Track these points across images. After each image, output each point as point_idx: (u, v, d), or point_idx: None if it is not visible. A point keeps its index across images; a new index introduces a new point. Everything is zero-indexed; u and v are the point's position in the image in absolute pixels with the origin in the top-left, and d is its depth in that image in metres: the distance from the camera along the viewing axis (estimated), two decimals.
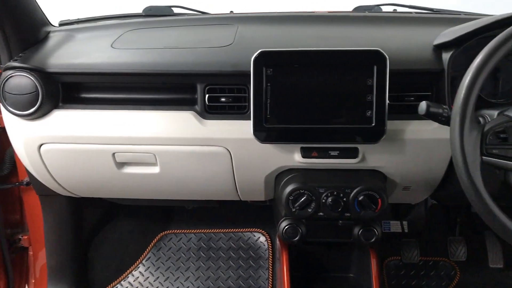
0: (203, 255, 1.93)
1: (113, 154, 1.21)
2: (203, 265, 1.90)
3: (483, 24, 1.02)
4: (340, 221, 1.21)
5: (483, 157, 0.85)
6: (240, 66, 1.11)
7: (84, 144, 1.20)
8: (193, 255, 1.93)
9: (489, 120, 0.94)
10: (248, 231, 1.97)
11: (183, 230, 1.97)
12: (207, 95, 1.14)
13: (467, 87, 0.84)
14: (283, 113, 1.09)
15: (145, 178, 1.28)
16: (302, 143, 1.13)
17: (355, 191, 1.14)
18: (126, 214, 1.92)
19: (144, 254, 1.92)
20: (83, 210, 1.72)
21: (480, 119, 0.96)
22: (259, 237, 1.96)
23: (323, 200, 1.15)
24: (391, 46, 1.12)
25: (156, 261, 1.91)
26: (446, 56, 1.09)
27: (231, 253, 1.93)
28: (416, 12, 1.51)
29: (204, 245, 1.95)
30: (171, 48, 1.19)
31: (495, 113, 0.95)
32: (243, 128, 1.13)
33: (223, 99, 1.14)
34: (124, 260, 1.89)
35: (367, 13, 1.48)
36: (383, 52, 1.06)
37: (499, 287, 1.83)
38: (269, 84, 1.07)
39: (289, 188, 1.16)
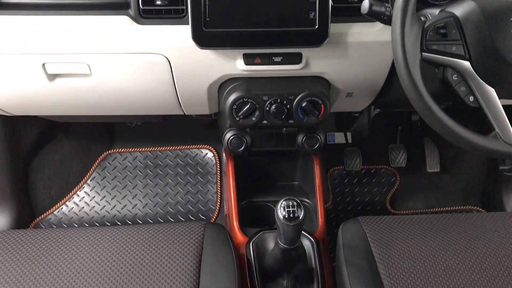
0: (150, 172, 1.91)
1: (43, 64, 1.12)
2: (150, 182, 1.89)
3: None
4: (284, 129, 1.21)
5: (423, 53, 0.85)
6: None
7: (10, 55, 1.10)
8: (140, 173, 1.91)
9: (430, 18, 0.93)
10: (195, 148, 1.96)
11: (128, 149, 1.93)
12: None
13: None
14: (223, 16, 1.03)
15: (80, 92, 1.21)
16: (244, 48, 1.08)
17: (298, 97, 1.12)
18: (66, 133, 1.85)
19: (88, 174, 1.88)
20: (18, 130, 1.63)
21: (422, 18, 0.95)
22: (207, 153, 1.95)
23: (267, 108, 1.14)
24: None
25: (101, 180, 1.88)
26: None
27: (179, 170, 1.92)
28: None
29: (150, 163, 1.92)
30: None
31: (436, 11, 0.94)
32: (182, 34, 1.07)
33: (158, 2, 1.06)
34: (68, 180, 1.84)
35: None
36: None
37: (435, 189, 1.95)
38: None
39: (232, 97, 1.13)
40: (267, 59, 1.10)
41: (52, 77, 1.17)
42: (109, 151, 1.92)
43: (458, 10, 0.89)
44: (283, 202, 1.00)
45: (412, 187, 1.96)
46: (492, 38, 0.85)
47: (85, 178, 1.87)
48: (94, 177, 1.88)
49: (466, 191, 1.93)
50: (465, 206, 1.90)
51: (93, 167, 1.89)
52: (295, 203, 0.99)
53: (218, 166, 1.91)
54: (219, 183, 1.89)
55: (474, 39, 0.86)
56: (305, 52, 1.11)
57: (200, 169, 1.92)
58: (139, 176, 1.90)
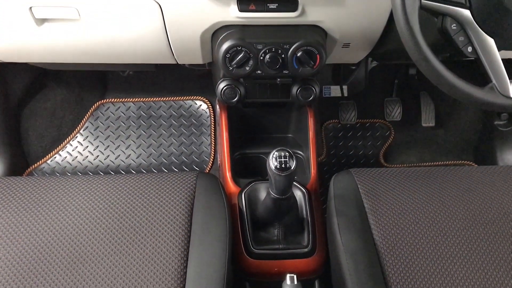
0: (143, 123, 1.90)
1: (30, 8, 1.08)
2: (144, 133, 1.88)
3: None
4: (279, 79, 1.19)
5: (422, 0, 0.82)
6: None
7: None
8: (133, 124, 1.89)
9: None
10: (189, 99, 1.94)
11: (121, 99, 1.91)
12: None
13: None
14: None
15: (69, 37, 1.17)
16: None
17: (293, 46, 1.09)
18: (57, 82, 1.82)
19: (81, 123, 1.86)
20: (7, 79, 1.60)
21: None
22: (201, 105, 1.93)
23: (261, 57, 1.11)
24: None
25: (94, 130, 1.87)
26: None
27: (173, 121, 1.91)
28: None
29: (144, 114, 1.91)
30: None
31: None
32: None
33: None
34: (61, 130, 1.83)
35: None
36: None
37: (429, 143, 1.95)
38: None
39: (225, 45, 1.10)
40: (262, 6, 1.07)
41: (40, 21, 1.13)
42: (102, 101, 1.90)
43: None
44: (275, 153, 0.99)
45: (406, 141, 1.96)
46: None
47: (78, 127, 1.86)
48: (87, 126, 1.87)
49: (460, 146, 1.94)
50: (458, 160, 1.91)
51: (86, 116, 1.87)
52: (287, 153, 0.98)
53: (212, 118, 1.90)
54: (213, 135, 1.88)
55: None
56: None
57: (194, 121, 1.91)
58: (132, 126, 1.89)
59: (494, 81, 0.87)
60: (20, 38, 1.18)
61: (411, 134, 1.97)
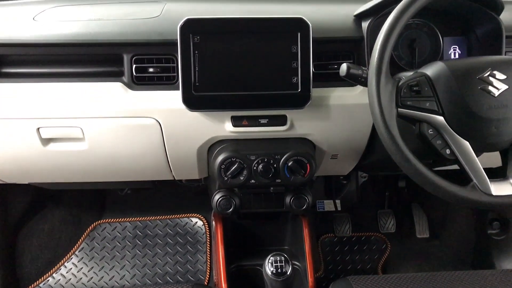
0: (139, 243, 1.89)
1: (38, 129, 1.17)
2: (139, 252, 1.87)
3: None
4: (272, 188, 1.24)
5: (399, 108, 0.90)
6: (167, 35, 1.11)
7: (6, 119, 1.15)
8: (129, 244, 1.89)
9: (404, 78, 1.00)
10: (185, 217, 1.96)
11: (117, 219, 1.93)
12: (134, 66, 1.13)
13: (381, 43, 0.90)
14: (212, 80, 1.10)
15: (72, 156, 1.24)
16: (231, 110, 1.14)
17: (285, 156, 1.17)
18: (56, 202, 1.85)
19: (77, 244, 1.86)
20: (8, 199, 1.64)
21: (397, 79, 1.02)
22: (196, 222, 1.95)
23: (254, 167, 1.17)
24: (314, 17, 1.16)
25: (90, 251, 1.86)
26: (365, 24, 1.15)
27: (168, 239, 1.91)
28: None
29: (140, 233, 1.91)
30: (96, 20, 1.17)
31: (409, 74, 1.01)
32: (172, 98, 1.13)
33: (151, 70, 1.13)
34: (56, 251, 1.82)
35: None
36: (305, 19, 1.10)
37: (427, 255, 1.94)
38: (196, 52, 1.08)
39: (221, 157, 1.17)
40: (254, 121, 1.16)
41: (46, 141, 1.21)
42: (99, 221, 1.92)
43: (429, 70, 0.96)
44: (271, 258, 1.00)
45: (404, 253, 1.95)
46: (462, 94, 0.91)
47: (74, 249, 1.85)
48: (83, 247, 1.86)
49: (457, 257, 1.92)
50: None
51: (82, 237, 1.87)
52: (282, 258, 0.99)
53: (208, 235, 1.91)
54: (208, 252, 1.87)
55: (445, 95, 0.92)
56: (290, 114, 1.17)
57: (189, 238, 1.91)
58: (128, 246, 1.88)
59: (475, 180, 0.92)
60: (26, 158, 1.24)
61: (407, 246, 1.97)
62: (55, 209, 1.85)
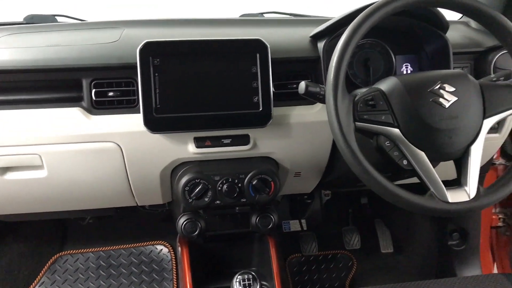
0: (103, 273, 1.84)
1: None
2: (103, 284, 1.81)
3: (347, 14, 1.14)
4: (237, 208, 1.24)
5: (356, 122, 0.93)
6: (126, 58, 1.11)
7: None
8: (92, 275, 1.83)
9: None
10: (150, 244, 1.92)
11: (79, 250, 1.87)
12: (93, 90, 1.12)
13: (336, 61, 0.94)
14: (173, 102, 1.10)
15: (31, 184, 1.21)
16: (194, 131, 1.15)
17: (249, 175, 1.18)
18: (15, 235, 1.78)
19: (37, 279, 1.78)
20: None
21: (353, 95, 1.06)
22: (161, 249, 1.91)
23: (219, 188, 1.17)
24: (272, 39, 1.19)
25: (51, 285, 1.78)
26: (320, 45, 1.19)
27: (133, 269, 1.86)
28: (294, 17, 1.63)
29: (103, 264, 1.86)
30: (54, 46, 1.16)
31: (365, 89, 1.05)
32: (133, 121, 1.12)
33: (110, 94, 1.12)
34: (16, 287, 1.74)
35: (250, 18, 1.56)
36: (264, 40, 1.13)
37: (392, 269, 1.97)
38: (156, 74, 1.08)
39: (184, 179, 1.16)
40: (217, 142, 1.17)
41: (3, 170, 1.17)
42: (60, 253, 1.85)
43: (383, 86, 1.00)
44: (239, 277, 1.00)
45: (370, 269, 1.97)
46: (415, 107, 0.95)
47: (34, 283, 1.77)
48: (43, 282, 1.79)
49: (421, 269, 1.96)
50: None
51: (42, 271, 1.80)
52: (250, 276, 0.99)
53: (174, 262, 1.87)
54: (175, 279, 1.83)
55: (399, 108, 0.96)
56: (252, 133, 1.18)
57: (155, 266, 1.87)
58: (91, 277, 1.82)
59: (432, 189, 0.95)
60: None
61: (372, 261, 1.99)
62: (13, 243, 1.78)
